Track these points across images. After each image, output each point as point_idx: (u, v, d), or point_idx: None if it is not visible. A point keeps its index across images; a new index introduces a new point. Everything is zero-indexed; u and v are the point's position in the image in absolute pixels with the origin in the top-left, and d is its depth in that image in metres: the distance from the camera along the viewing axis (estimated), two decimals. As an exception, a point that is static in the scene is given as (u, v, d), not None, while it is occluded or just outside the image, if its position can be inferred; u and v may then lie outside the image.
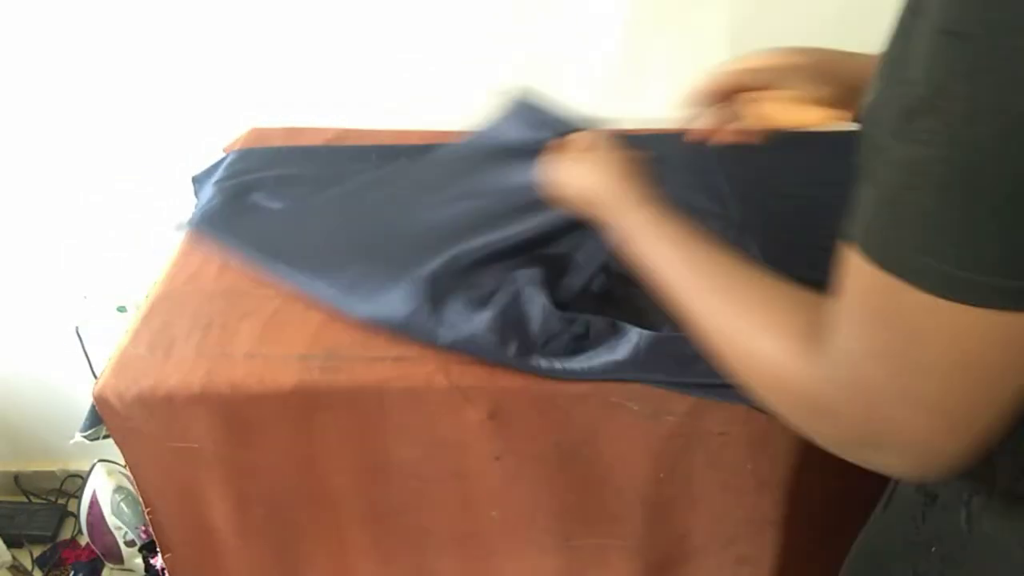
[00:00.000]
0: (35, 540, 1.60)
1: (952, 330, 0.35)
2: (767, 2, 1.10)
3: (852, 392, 0.40)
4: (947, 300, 0.35)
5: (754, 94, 0.74)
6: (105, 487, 1.46)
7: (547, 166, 0.75)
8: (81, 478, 1.56)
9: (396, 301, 0.79)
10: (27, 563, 1.56)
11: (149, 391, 0.77)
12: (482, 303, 0.78)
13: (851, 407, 0.40)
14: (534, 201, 0.78)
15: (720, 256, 0.55)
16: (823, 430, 0.43)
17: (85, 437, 0.81)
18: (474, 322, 0.77)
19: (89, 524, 1.48)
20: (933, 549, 0.52)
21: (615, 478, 0.83)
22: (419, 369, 0.78)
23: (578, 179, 0.70)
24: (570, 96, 1.18)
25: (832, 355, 0.40)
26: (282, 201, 1.00)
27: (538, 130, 0.84)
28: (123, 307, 1.26)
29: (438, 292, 0.79)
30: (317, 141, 1.16)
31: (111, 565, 1.53)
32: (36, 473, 1.68)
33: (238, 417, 0.79)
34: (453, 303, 0.78)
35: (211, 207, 0.99)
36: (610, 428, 0.79)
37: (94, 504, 1.46)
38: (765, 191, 1.02)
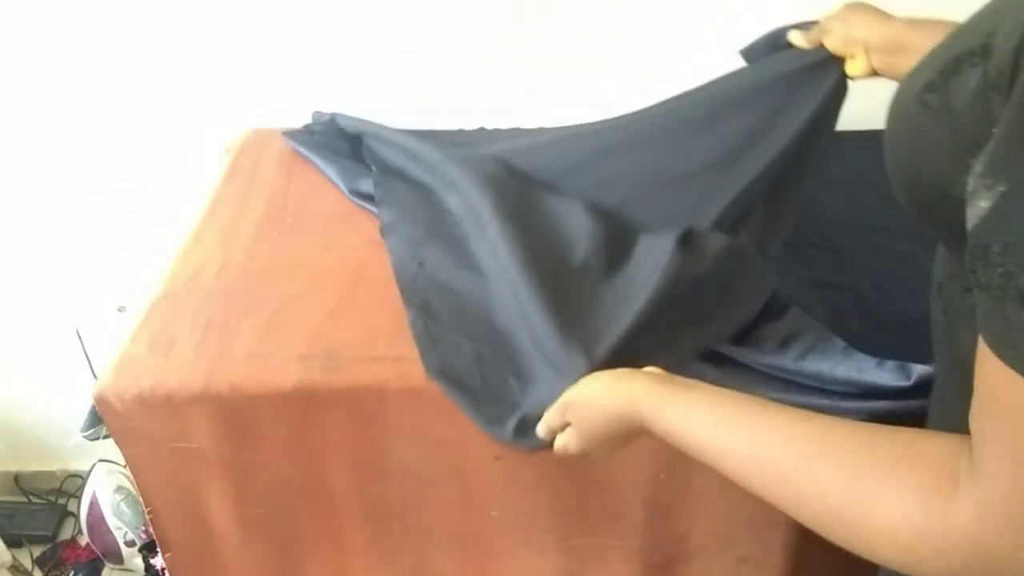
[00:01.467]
0: (35, 540, 1.60)
1: None
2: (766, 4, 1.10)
3: None
4: None
5: None
6: (105, 487, 1.46)
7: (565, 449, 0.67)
8: (81, 478, 1.55)
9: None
10: (27, 563, 1.56)
11: (149, 391, 0.77)
12: None
13: None
14: None
15: (786, 419, 0.48)
16: None
17: (85, 437, 0.81)
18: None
19: (89, 524, 1.48)
20: None
21: (615, 478, 0.83)
22: (419, 369, 0.78)
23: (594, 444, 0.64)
24: (570, 96, 1.19)
25: (988, 500, 0.37)
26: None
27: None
28: (123, 307, 1.26)
29: None
30: (317, 141, 1.16)
31: (111, 565, 1.52)
32: (36, 473, 1.68)
33: (238, 417, 0.79)
34: None
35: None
36: (610, 428, 0.79)
37: (94, 504, 1.46)
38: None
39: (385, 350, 0.80)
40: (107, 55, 1.15)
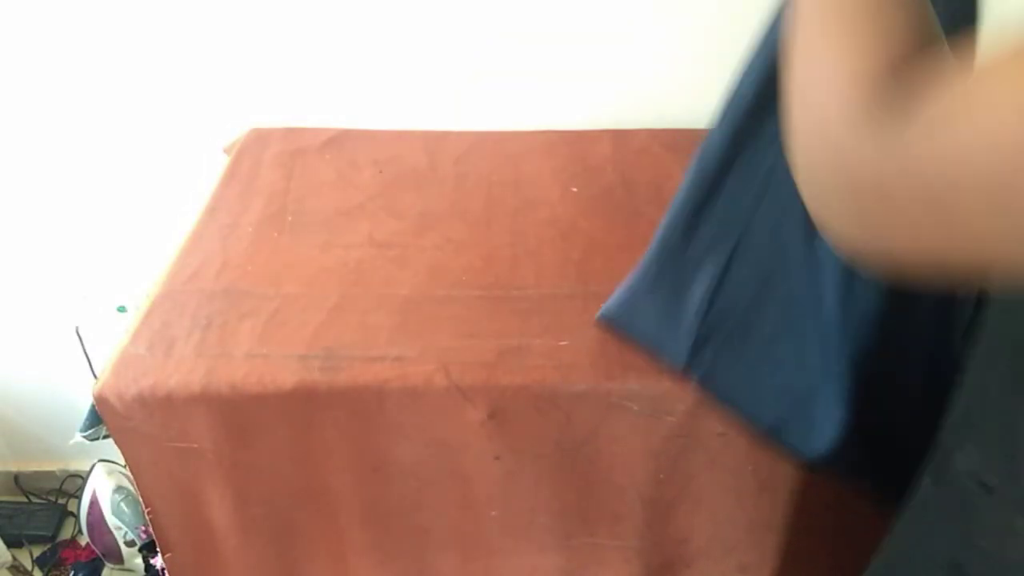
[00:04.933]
0: (35, 540, 1.60)
1: None
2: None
3: (924, 176, 0.32)
4: None
5: None
6: (105, 487, 1.46)
7: None
8: (81, 478, 1.56)
9: None
10: (27, 563, 1.56)
11: (149, 391, 0.77)
12: None
13: (916, 192, 0.32)
14: None
15: None
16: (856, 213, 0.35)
17: (85, 437, 0.81)
18: None
19: (89, 524, 1.48)
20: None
21: (615, 478, 0.83)
22: (419, 369, 0.78)
23: None
24: (571, 97, 1.19)
25: (923, 123, 0.32)
26: None
27: None
28: (123, 307, 1.26)
29: None
30: (317, 141, 1.16)
31: (111, 565, 1.53)
32: (36, 473, 1.68)
33: (238, 417, 0.79)
34: None
35: None
36: (610, 428, 0.79)
37: (94, 504, 1.46)
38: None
39: (385, 350, 0.80)
40: (106, 55, 1.15)
